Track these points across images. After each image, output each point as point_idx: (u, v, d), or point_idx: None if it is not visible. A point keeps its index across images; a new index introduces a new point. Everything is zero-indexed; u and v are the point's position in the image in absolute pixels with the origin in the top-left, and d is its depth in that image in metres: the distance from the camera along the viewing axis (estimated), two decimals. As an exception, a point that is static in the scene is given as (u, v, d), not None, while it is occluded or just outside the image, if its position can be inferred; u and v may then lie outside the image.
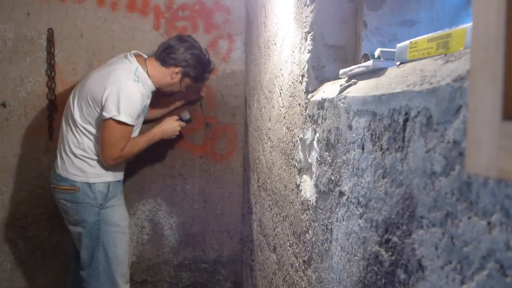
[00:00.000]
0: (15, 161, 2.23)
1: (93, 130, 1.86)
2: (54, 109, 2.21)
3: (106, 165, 1.87)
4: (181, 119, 2.15)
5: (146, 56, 2.01)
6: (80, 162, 1.86)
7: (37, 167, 2.23)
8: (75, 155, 1.86)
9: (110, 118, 1.78)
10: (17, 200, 2.25)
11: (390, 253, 0.65)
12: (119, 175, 1.99)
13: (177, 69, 1.96)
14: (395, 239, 0.64)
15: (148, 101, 1.95)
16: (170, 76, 1.97)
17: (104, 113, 1.78)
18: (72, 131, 1.87)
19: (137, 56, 1.96)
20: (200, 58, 2.02)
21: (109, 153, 1.83)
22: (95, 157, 1.88)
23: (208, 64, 2.09)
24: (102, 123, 1.81)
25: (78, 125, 1.85)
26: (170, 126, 2.07)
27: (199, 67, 2.03)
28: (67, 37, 2.20)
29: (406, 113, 0.61)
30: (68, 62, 2.22)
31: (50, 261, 2.31)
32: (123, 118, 1.78)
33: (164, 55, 1.95)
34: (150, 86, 1.93)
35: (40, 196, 2.23)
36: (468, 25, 0.59)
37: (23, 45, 2.17)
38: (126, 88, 1.79)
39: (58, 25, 2.19)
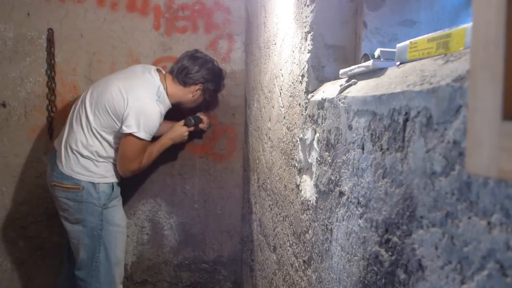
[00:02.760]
0: (15, 161, 2.23)
1: (107, 136, 1.89)
2: (54, 109, 2.21)
3: (124, 176, 1.96)
4: (186, 125, 2.19)
5: (164, 72, 2.05)
6: (86, 161, 1.88)
7: (37, 167, 2.23)
8: (82, 155, 1.87)
9: (130, 134, 1.84)
10: (17, 200, 2.25)
11: (390, 253, 0.65)
12: (120, 177, 2.03)
13: (197, 87, 2.05)
14: (395, 239, 0.64)
15: (162, 119, 1.99)
16: (191, 94, 2.06)
17: (124, 127, 1.84)
18: (83, 131, 1.88)
19: (158, 71, 2.01)
20: (215, 71, 2.11)
21: (128, 167, 1.91)
22: (100, 159, 1.90)
23: (221, 73, 2.18)
24: (123, 138, 1.86)
25: (93, 128, 1.87)
26: (178, 133, 2.14)
27: (216, 79, 2.13)
28: (67, 37, 2.20)
29: (406, 113, 0.61)
30: (68, 62, 2.22)
31: (50, 261, 2.31)
32: (142, 135, 1.85)
33: (182, 76, 2.02)
34: (167, 105, 2.00)
35: (40, 196, 2.23)
36: (468, 25, 0.59)
37: (23, 45, 2.17)
38: (147, 107, 1.87)
39: (58, 25, 2.19)
